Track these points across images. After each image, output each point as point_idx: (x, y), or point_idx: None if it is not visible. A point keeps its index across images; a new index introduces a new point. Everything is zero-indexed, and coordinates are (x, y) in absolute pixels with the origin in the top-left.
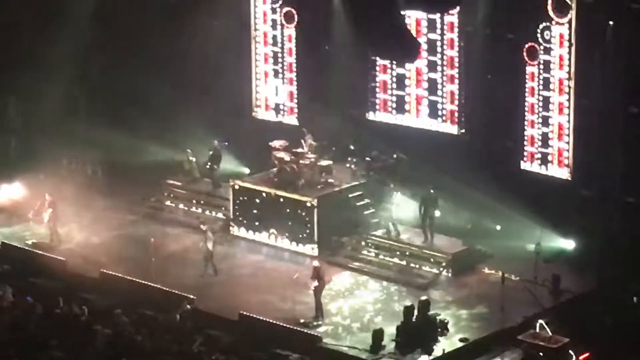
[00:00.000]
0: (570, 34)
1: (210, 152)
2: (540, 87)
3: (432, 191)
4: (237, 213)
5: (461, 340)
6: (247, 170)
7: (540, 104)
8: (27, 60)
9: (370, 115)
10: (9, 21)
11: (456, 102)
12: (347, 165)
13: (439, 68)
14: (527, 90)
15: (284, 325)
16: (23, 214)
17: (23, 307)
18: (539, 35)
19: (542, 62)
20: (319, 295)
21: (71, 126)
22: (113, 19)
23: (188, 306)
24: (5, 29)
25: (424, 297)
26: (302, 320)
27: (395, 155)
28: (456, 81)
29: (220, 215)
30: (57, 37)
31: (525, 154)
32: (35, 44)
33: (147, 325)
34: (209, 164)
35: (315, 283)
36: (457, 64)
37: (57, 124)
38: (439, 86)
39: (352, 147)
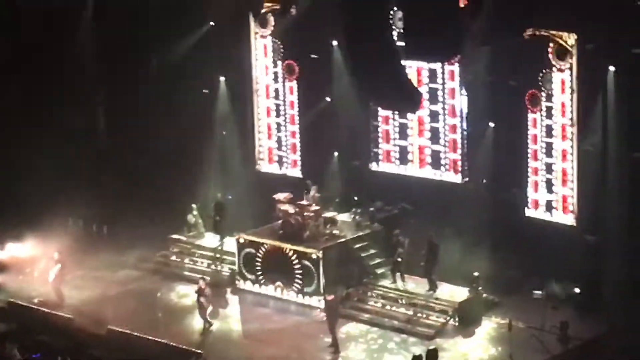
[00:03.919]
0: (571, 80)
1: (214, 205)
2: (543, 133)
3: (434, 240)
4: (243, 266)
5: None
6: (251, 223)
7: (544, 150)
8: (33, 114)
9: (374, 166)
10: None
11: (459, 150)
12: (352, 216)
13: (440, 117)
14: (529, 137)
15: None
16: (30, 271)
17: None
18: (540, 82)
19: (544, 108)
20: (332, 327)
21: (76, 184)
22: (118, 76)
23: None
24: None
25: (431, 347)
26: None
27: (399, 206)
28: (458, 130)
29: (225, 269)
30: (61, 88)
31: (529, 200)
32: (39, 97)
33: None
34: (214, 217)
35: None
36: (458, 113)
37: (62, 182)
38: (442, 135)
39: (355, 198)
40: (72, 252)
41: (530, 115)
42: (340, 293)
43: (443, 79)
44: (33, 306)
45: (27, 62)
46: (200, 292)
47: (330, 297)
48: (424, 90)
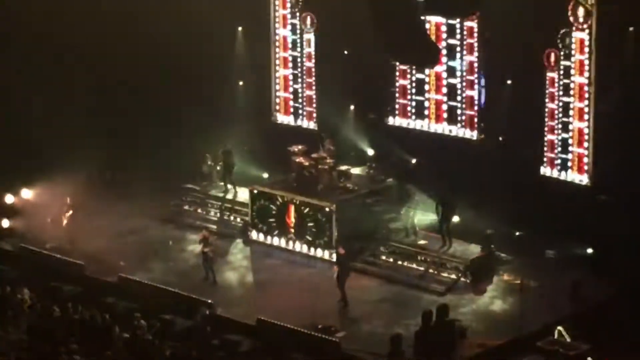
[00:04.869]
0: (590, 40)
1: (221, 154)
2: (560, 92)
3: (449, 196)
4: (256, 218)
5: (479, 346)
6: (265, 175)
7: (560, 109)
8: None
9: (390, 120)
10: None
11: (475, 107)
12: (366, 170)
13: (458, 73)
14: (547, 95)
15: (303, 330)
16: (42, 217)
17: (41, 311)
18: (559, 40)
19: (562, 67)
20: (342, 282)
21: (90, 133)
22: (135, 21)
23: (206, 311)
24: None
25: (442, 303)
26: (320, 326)
27: (414, 161)
28: (475, 87)
29: (238, 219)
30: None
31: (545, 159)
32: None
33: (165, 330)
34: (224, 166)
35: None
36: (476, 70)
37: (77, 130)
38: (459, 92)
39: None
40: (86, 198)
41: (548, 74)
42: (352, 247)
43: (462, 35)
44: (44, 252)
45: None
46: (204, 242)
47: (341, 251)
48: (442, 45)
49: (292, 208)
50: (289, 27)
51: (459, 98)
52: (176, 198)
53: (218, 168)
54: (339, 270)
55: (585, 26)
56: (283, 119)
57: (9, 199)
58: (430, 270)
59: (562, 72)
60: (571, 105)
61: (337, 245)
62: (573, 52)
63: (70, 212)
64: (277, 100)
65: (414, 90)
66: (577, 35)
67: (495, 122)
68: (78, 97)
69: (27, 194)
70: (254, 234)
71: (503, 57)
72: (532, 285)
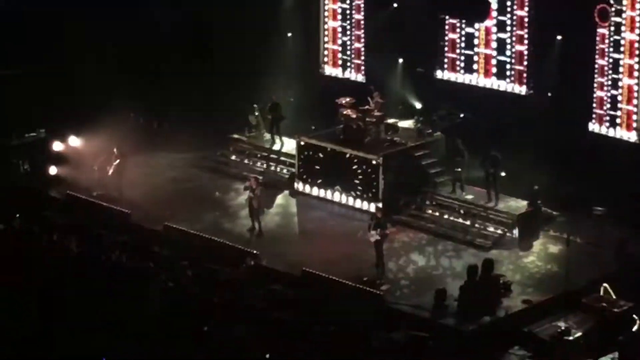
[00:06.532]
0: None
1: (269, 106)
2: (611, 49)
3: (495, 151)
4: (302, 169)
5: (524, 302)
6: (313, 127)
7: (610, 66)
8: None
9: (439, 74)
10: None
11: (525, 62)
12: (414, 123)
13: (508, 28)
14: (597, 52)
15: (347, 282)
16: (89, 165)
17: (87, 258)
18: None
19: (613, 23)
20: (380, 247)
21: (138, 79)
22: None
23: (251, 261)
24: None
25: (488, 258)
26: (365, 279)
27: (462, 115)
28: (525, 41)
29: (285, 170)
30: None
31: (593, 116)
32: None
33: (210, 279)
34: (272, 118)
35: (377, 235)
36: (526, 24)
37: (125, 77)
38: (508, 46)
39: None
40: (132, 147)
41: (599, 30)
42: (398, 200)
43: None
44: (91, 199)
45: None
46: (250, 190)
47: (379, 214)
48: (492, 0)
49: (338, 160)
50: None
51: (508, 53)
52: (223, 148)
53: (265, 119)
54: (380, 233)
55: None
56: (331, 71)
57: (57, 146)
58: (476, 225)
59: (612, 28)
60: (621, 62)
61: (376, 210)
62: (624, 8)
63: (117, 160)
64: (326, 53)
65: (463, 44)
66: None
67: (544, 77)
68: (127, 45)
69: (74, 141)
70: (300, 185)
71: (554, 13)
72: (578, 242)
